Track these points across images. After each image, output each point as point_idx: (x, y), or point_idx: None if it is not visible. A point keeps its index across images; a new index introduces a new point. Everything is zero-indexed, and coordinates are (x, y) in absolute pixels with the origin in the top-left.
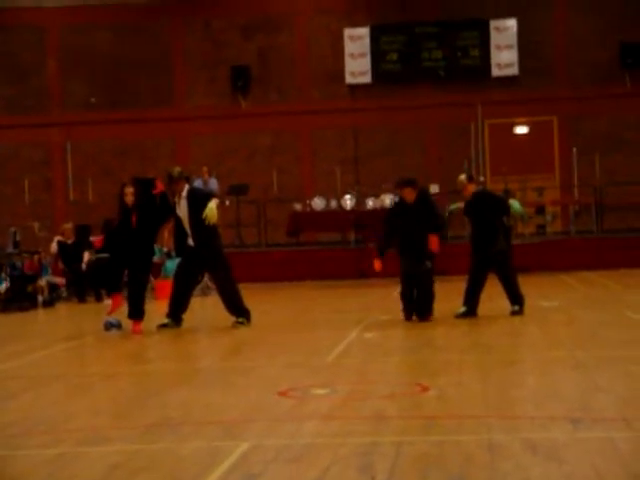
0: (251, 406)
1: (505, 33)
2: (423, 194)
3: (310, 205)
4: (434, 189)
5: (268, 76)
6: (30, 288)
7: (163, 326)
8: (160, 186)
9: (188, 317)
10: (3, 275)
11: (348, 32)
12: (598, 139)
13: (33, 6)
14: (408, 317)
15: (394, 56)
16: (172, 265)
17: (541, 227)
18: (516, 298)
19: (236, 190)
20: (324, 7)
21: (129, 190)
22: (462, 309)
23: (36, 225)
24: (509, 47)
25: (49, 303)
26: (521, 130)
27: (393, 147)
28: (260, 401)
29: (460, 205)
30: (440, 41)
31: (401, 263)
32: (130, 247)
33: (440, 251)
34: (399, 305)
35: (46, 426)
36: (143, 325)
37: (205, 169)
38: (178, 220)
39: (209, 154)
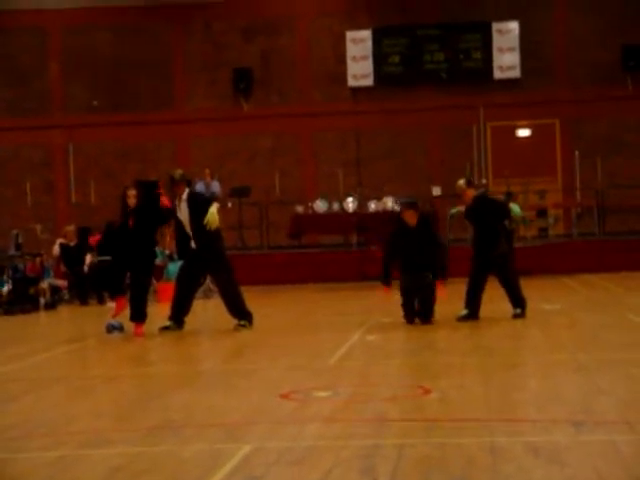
0: (253, 409)
1: (507, 35)
2: (425, 220)
3: (312, 207)
4: (436, 191)
5: (270, 78)
6: (32, 290)
7: (165, 328)
8: (165, 202)
9: (190, 320)
10: (5, 277)
11: (350, 35)
12: (600, 142)
13: (34, 8)
14: (410, 321)
15: (396, 59)
16: (174, 268)
17: (543, 230)
18: (518, 301)
19: (238, 192)
20: (326, 10)
21: (131, 193)
22: (464, 312)
23: (38, 227)
24: (511, 50)
25: (51, 305)
26: (523, 133)
27: (395, 150)
28: (262, 403)
29: (461, 209)
30: (442, 44)
31: (402, 279)
32: (131, 249)
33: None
34: (401, 309)
35: (47, 428)
36: (145, 328)
37: (207, 171)
38: (179, 223)
39: (210, 156)
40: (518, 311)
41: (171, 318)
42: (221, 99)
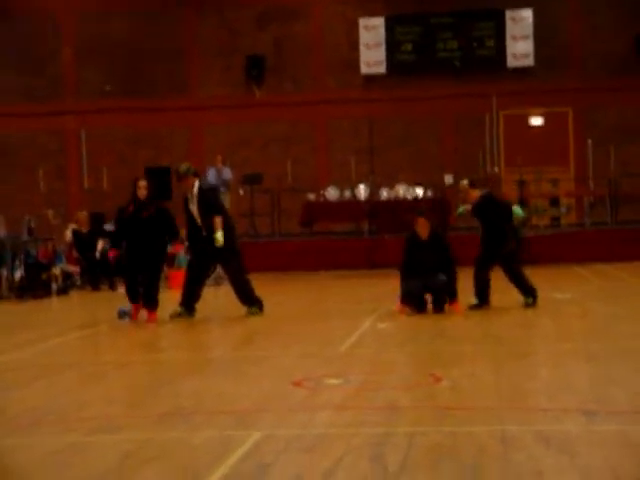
0: (263, 396)
1: (521, 23)
2: (437, 235)
3: (324, 195)
4: (448, 180)
5: (283, 65)
6: (44, 276)
7: (176, 315)
8: (178, 247)
9: (201, 307)
10: (17, 263)
11: (363, 22)
12: (613, 131)
13: None
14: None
15: (409, 46)
16: (184, 255)
17: (555, 219)
18: (528, 291)
19: (250, 179)
20: None
21: (142, 184)
22: (474, 301)
23: (50, 213)
24: (525, 38)
25: (63, 291)
26: (536, 121)
27: (408, 138)
28: (273, 391)
29: (468, 207)
30: (455, 32)
31: (406, 284)
32: (142, 239)
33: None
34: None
35: (58, 414)
36: (157, 314)
37: (219, 158)
38: (190, 214)
39: (223, 143)
40: (530, 300)
41: (182, 305)
42: (234, 86)
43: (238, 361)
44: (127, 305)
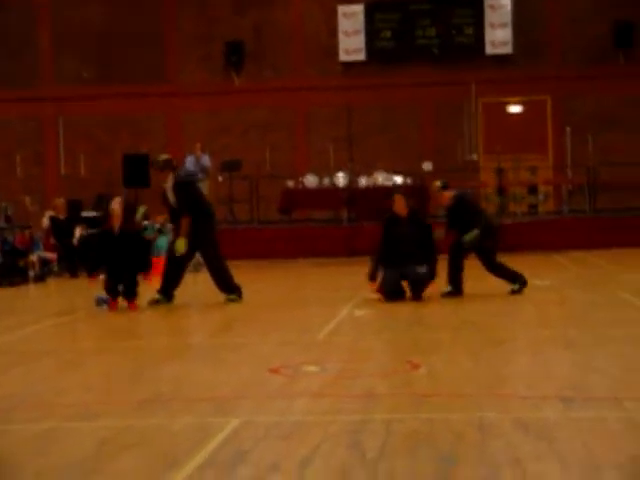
0: (242, 383)
1: (499, 11)
2: (416, 214)
3: (303, 182)
4: (427, 167)
5: (262, 52)
6: (21, 263)
7: (154, 302)
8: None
9: (180, 293)
10: None
11: (342, 9)
12: (591, 119)
13: None
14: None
15: (388, 34)
16: (164, 242)
17: (533, 207)
18: (514, 278)
19: (229, 166)
20: None
21: (116, 211)
22: (447, 288)
23: (28, 200)
24: (503, 25)
25: (40, 278)
26: (515, 109)
27: (387, 125)
28: (251, 378)
29: (442, 232)
30: (434, 19)
31: (385, 276)
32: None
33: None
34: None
35: (36, 401)
36: (137, 302)
37: (198, 145)
38: (169, 203)
39: (202, 130)
40: (516, 287)
41: (160, 291)
42: (213, 73)
43: (217, 348)
44: (104, 293)
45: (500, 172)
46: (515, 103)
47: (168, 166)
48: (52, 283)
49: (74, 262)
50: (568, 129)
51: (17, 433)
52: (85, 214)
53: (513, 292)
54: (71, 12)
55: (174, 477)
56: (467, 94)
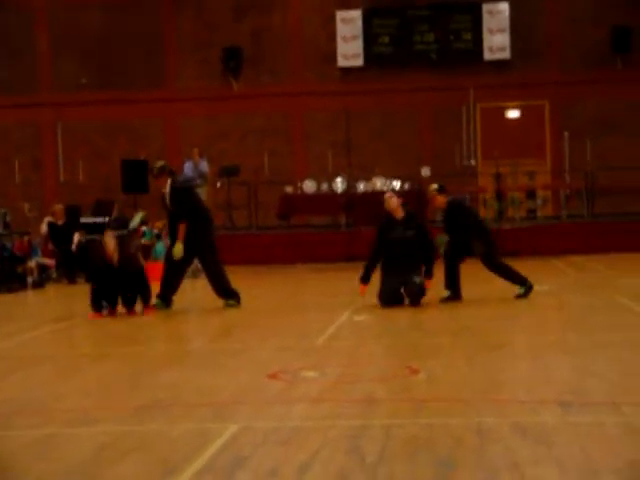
0: (241, 388)
1: (497, 17)
2: (411, 214)
3: (301, 188)
4: (425, 172)
5: (260, 57)
6: (20, 269)
7: (152, 307)
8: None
9: (178, 299)
10: None
11: (340, 14)
12: (589, 123)
13: None
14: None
15: (386, 39)
16: (162, 247)
17: (532, 211)
18: (520, 280)
19: (227, 172)
20: None
21: (110, 246)
22: (446, 294)
23: (26, 206)
24: (501, 31)
25: (39, 284)
26: (513, 114)
27: (385, 130)
28: (250, 383)
29: (445, 238)
30: (432, 24)
31: (383, 284)
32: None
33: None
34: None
35: (35, 407)
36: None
37: (196, 150)
38: (168, 208)
39: (200, 135)
40: (522, 291)
41: (159, 297)
42: (211, 78)
43: (215, 353)
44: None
45: (498, 177)
46: (513, 108)
47: (163, 172)
48: (50, 289)
49: (72, 268)
50: (566, 134)
51: (17, 439)
52: (84, 220)
53: (519, 296)
54: (69, 18)
55: None
56: (465, 99)
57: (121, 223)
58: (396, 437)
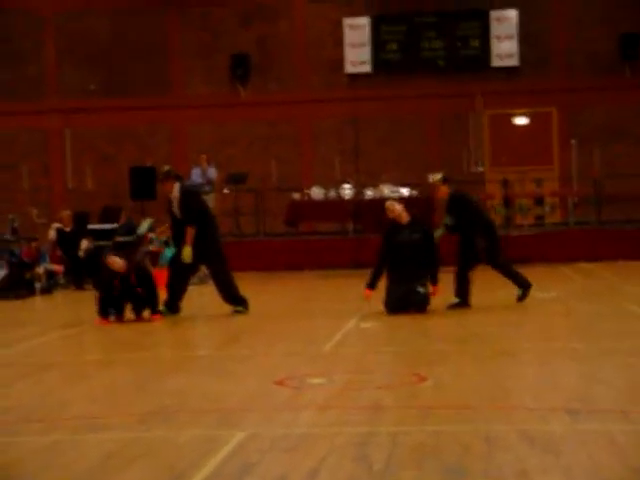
0: (248, 395)
1: (505, 23)
2: (416, 219)
3: (309, 194)
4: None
5: (267, 65)
6: (28, 275)
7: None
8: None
9: (186, 305)
10: (1, 262)
11: (348, 21)
12: (597, 130)
13: None
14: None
15: (394, 46)
16: (170, 254)
17: (539, 218)
18: (519, 281)
19: (235, 179)
20: None
21: (117, 265)
22: (455, 300)
23: (34, 212)
24: (509, 37)
25: (47, 290)
26: (520, 121)
27: (392, 137)
28: (257, 390)
29: (441, 232)
30: (440, 31)
31: (389, 292)
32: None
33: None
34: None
35: (42, 413)
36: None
37: (204, 157)
38: (173, 214)
39: (207, 143)
40: (520, 293)
41: (166, 304)
42: (218, 85)
43: (223, 360)
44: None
45: (506, 184)
46: (521, 115)
47: (168, 177)
48: (58, 295)
49: (80, 274)
50: (574, 141)
51: (23, 445)
52: (91, 226)
53: (519, 299)
54: (77, 25)
55: None
56: (473, 106)
57: (129, 230)
58: (403, 444)
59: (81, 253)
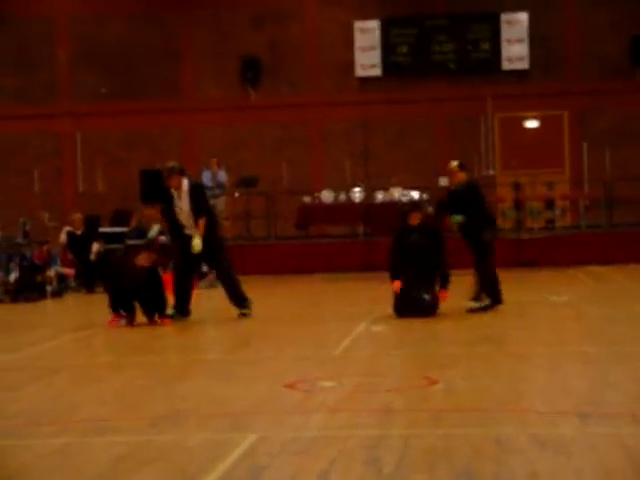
0: (258, 398)
1: (516, 27)
2: (429, 227)
3: (319, 198)
4: (444, 182)
5: (278, 68)
6: (39, 278)
7: (169, 317)
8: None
9: (196, 309)
10: (12, 265)
11: (358, 25)
12: (608, 134)
13: None
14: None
15: (404, 49)
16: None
17: (550, 221)
18: (491, 291)
19: (245, 182)
20: None
21: (142, 260)
22: (487, 301)
23: (46, 215)
24: (520, 41)
25: (58, 293)
26: (531, 124)
27: (403, 140)
28: (267, 393)
29: (460, 219)
30: (450, 34)
31: (399, 295)
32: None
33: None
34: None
35: (53, 416)
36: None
37: (214, 160)
38: (172, 213)
39: (218, 146)
40: (481, 305)
41: (175, 308)
42: (229, 88)
43: (233, 363)
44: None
45: (517, 187)
46: (532, 118)
47: (173, 172)
48: (69, 298)
49: (91, 278)
50: (585, 144)
51: (34, 448)
52: (102, 229)
53: (471, 310)
54: (89, 29)
55: None
56: (483, 109)
57: (139, 233)
58: (414, 447)
59: (92, 256)
